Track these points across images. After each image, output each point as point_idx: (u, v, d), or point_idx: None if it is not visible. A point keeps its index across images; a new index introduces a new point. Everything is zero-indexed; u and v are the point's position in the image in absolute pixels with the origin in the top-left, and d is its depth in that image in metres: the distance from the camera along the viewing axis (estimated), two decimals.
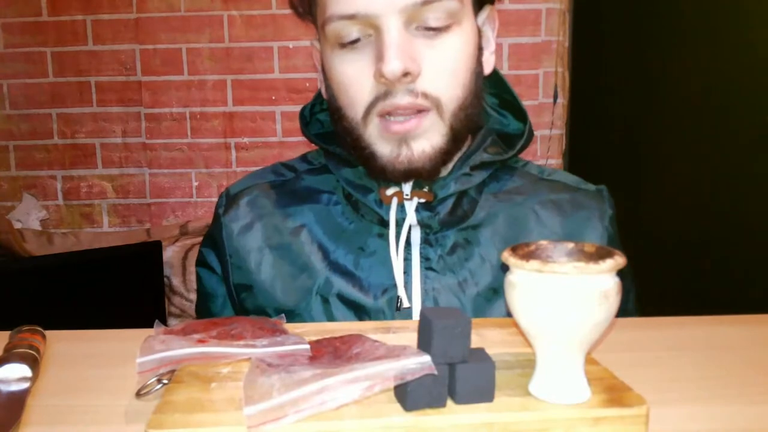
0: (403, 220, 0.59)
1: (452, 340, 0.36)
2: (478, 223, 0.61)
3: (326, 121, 0.66)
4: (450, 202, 0.59)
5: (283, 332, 0.45)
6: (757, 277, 1.09)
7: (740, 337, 0.53)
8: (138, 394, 0.41)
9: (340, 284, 0.59)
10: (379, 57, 0.52)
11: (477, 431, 0.35)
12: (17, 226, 1.74)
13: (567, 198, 0.64)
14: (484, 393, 0.36)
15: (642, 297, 0.68)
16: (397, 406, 0.36)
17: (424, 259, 0.59)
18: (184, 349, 0.41)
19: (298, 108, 0.71)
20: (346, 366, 0.37)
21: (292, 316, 0.59)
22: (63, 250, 1.68)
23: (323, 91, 0.64)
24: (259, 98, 1.69)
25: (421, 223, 0.59)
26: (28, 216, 1.75)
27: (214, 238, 0.67)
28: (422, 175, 0.57)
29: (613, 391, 0.38)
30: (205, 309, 0.69)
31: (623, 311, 0.59)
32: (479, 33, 0.59)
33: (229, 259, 0.64)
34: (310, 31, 0.63)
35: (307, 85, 1.67)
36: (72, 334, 0.55)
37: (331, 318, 0.58)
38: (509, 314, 0.58)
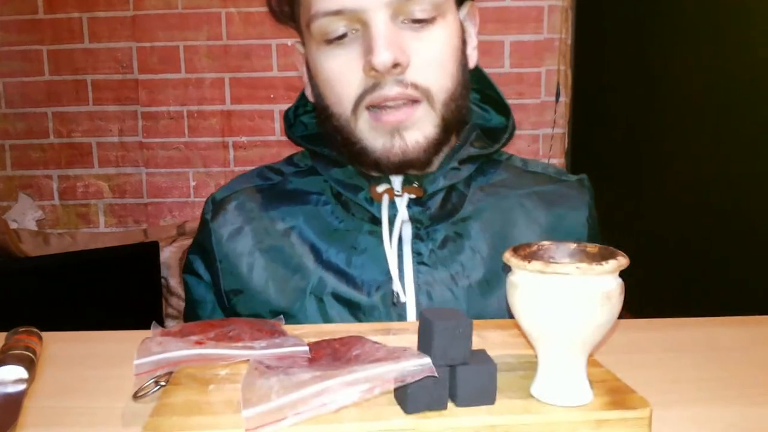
0: (395, 216, 0.59)
1: (453, 342, 0.35)
2: (467, 216, 0.62)
3: (310, 123, 0.66)
4: (440, 197, 0.60)
5: (282, 334, 0.45)
6: (758, 277, 1.09)
7: (741, 338, 0.53)
8: (135, 396, 0.41)
9: (334, 283, 0.59)
10: (368, 50, 0.53)
11: None
12: (13, 226, 1.73)
13: (550, 189, 0.66)
14: (485, 395, 0.36)
15: (642, 297, 0.68)
16: (398, 408, 0.36)
17: (416, 254, 0.59)
18: (181, 351, 0.41)
19: None
20: (345, 368, 0.36)
21: (287, 317, 0.59)
22: (59, 251, 1.67)
23: (308, 93, 0.64)
24: (258, 96, 1.69)
25: (412, 219, 0.60)
26: (24, 216, 1.75)
27: (202, 244, 0.66)
28: (416, 166, 0.58)
29: (616, 394, 0.37)
30: (193, 316, 0.68)
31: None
32: (462, 27, 0.61)
33: (220, 264, 0.64)
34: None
35: None
36: (68, 336, 0.54)
37: (326, 317, 0.59)
38: (507, 308, 0.59)
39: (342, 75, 0.55)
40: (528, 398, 0.37)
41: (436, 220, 0.61)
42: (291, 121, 0.67)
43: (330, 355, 0.40)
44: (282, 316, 0.54)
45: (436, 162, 0.61)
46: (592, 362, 0.41)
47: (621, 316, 0.38)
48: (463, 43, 0.60)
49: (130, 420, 0.39)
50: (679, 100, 1.38)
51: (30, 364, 0.43)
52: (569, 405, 0.36)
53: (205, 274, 0.66)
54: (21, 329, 0.49)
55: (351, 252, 0.60)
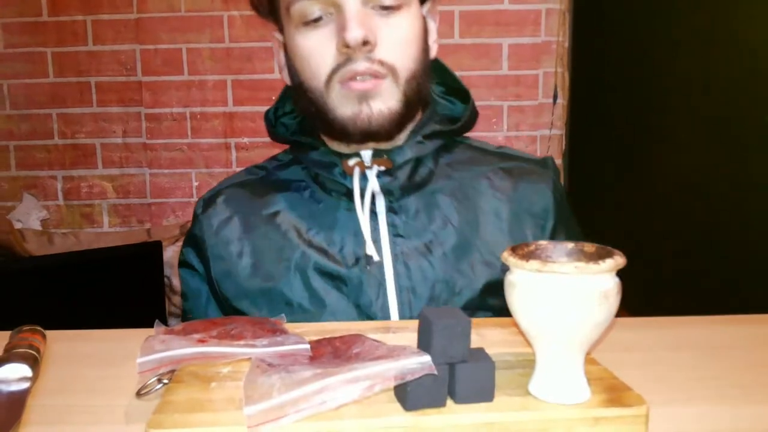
0: (367, 188, 0.65)
1: (452, 340, 0.36)
2: (437, 189, 0.67)
3: (290, 124, 0.72)
4: (407, 169, 0.66)
5: (283, 332, 0.45)
6: (757, 277, 1.09)
7: (740, 337, 0.53)
8: (138, 394, 0.41)
9: (316, 258, 0.64)
10: (342, 28, 0.59)
11: (477, 431, 0.35)
12: (17, 226, 1.74)
13: (516, 165, 0.71)
14: (484, 393, 0.36)
15: (640, 296, 0.68)
16: (397, 405, 0.36)
17: (391, 226, 0.65)
18: (184, 349, 0.41)
19: None
20: (346, 366, 0.37)
21: (275, 293, 0.64)
22: (63, 250, 1.68)
23: (284, 76, 0.70)
24: (259, 98, 1.69)
25: (384, 190, 0.65)
26: (29, 216, 1.75)
27: (194, 236, 0.71)
28: (381, 137, 0.63)
29: (613, 391, 0.38)
30: (189, 309, 0.72)
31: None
32: (424, 21, 0.67)
33: (211, 250, 0.68)
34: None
35: None
36: (72, 334, 0.55)
37: (310, 290, 0.63)
38: (478, 272, 0.62)
39: (317, 51, 0.61)
40: (526, 396, 0.37)
41: (406, 191, 0.66)
42: (272, 121, 0.72)
43: (331, 353, 0.41)
44: (283, 315, 0.55)
45: (403, 137, 0.66)
46: (589, 360, 0.42)
47: (618, 315, 0.39)
48: (425, 33, 0.67)
49: (134, 417, 0.40)
50: (675, 101, 1.39)
51: (34, 363, 0.44)
52: (567, 402, 0.36)
53: (199, 266, 0.70)
54: (25, 328, 0.50)
55: (331, 229, 0.65)
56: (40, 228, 1.75)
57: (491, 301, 0.64)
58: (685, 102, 1.35)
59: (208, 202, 0.71)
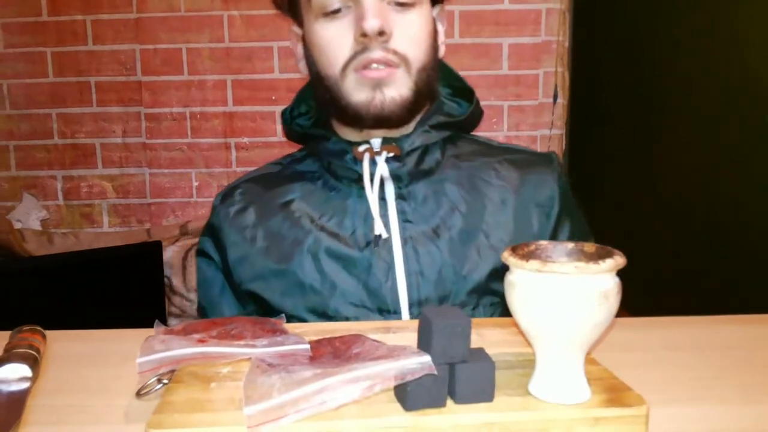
0: (376, 173, 0.67)
1: (452, 340, 0.36)
2: (444, 178, 0.70)
3: (305, 125, 0.74)
4: (415, 156, 0.68)
5: (283, 332, 0.45)
6: (757, 277, 1.09)
7: (740, 337, 0.53)
8: (138, 394, 0.41)
9: (328, 241, 0.67)
10: (360, 18, 0.62)
11: (477, 431, 0.35)
12: (17, 226, 1.74)
13: (521, 158, 0.74)
14: (484, 393, 0.36)
15: (640, 296, 0.68)
16: (397, 406, 0.36)
17: (401, 212, 0.67)
18: (184, 349, 0.41)
19: None
20: (346, 366, 0.37)
21: (288, 274, 0.67)
22: (63, 250, 1.67)
23: (302, 66, 0.73)
24: (259, 98, 1.69)
25: (393, 175, 0.68)
26: (29, 216, 1.75)
27: (212, 225, 0.74)
28: (392, 123, 0.66)
29: (613, 391, 0.38)
30: (205, 296, 0.74)
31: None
32: (434, 22, 0.71)
33: (227, 237, 0.71)
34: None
35: None
36: (72, 334, 0.55)
37: (322, 272, 0.66)
38: (484, 259, 0.64)
39: (335, 41, 0.65)
40: (526, 396, 0.37)
41: (414, 177, 0.68)
42: (288, 121, 0.75)
43: (331, 353, 0.41)
44: (283, 315, 0.55)
45: (411, 126, 0.69)
46: (589, 360, 0.42)
47: (619, 315, 0.39)
48: (435, 33, 0.71)
49: (134, 417, 0.40)
50: (675, 101, 1.39)
51: (34, 363, 0.44)
52: (567, 402, 0.36)
53: (215, 254, 0.73)
54: (25, 328, 0.50)
55: (342, 215, 0.68)
56: (39, 228, 1.75)
57: (497, 286, 0.65)
58: (685, 102, 1.35)
59: (225, 195, 0.75)
